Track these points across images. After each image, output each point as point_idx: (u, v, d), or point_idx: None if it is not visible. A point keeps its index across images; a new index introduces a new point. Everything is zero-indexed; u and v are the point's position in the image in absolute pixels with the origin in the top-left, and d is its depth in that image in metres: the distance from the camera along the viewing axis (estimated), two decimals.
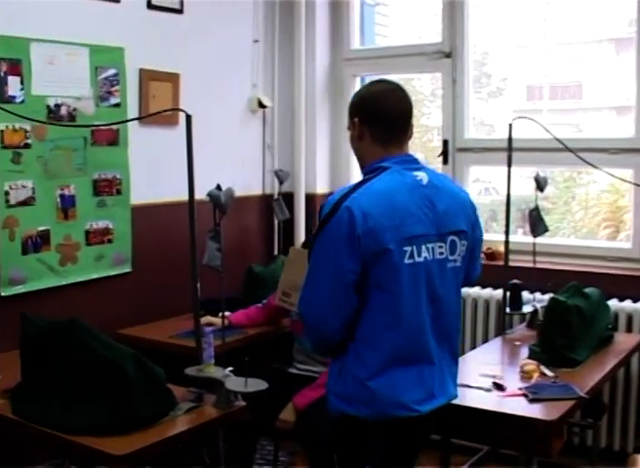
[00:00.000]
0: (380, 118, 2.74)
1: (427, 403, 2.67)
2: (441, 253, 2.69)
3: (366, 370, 2.62)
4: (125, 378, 2.82)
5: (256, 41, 5.29)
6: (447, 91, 5.09)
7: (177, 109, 3.90)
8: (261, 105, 5.26)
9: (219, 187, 3.16)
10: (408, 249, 2.59)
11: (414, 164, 2.75)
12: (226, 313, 4.13)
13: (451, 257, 2.72)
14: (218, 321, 4.02)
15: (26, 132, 3.91)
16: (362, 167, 2.82)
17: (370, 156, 2.76)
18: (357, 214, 2.53)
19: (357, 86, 5.57)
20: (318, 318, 2.64)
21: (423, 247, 2.63)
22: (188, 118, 3.06)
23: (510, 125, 4.10)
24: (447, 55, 5.05)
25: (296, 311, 2.96)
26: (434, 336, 2.69)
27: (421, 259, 2.62)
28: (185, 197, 3.10)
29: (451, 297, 2.76)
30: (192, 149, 3.08)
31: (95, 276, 4.30)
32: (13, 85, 3.84)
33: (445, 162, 5.09)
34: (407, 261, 2.59)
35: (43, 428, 2.90)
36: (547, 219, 4.44)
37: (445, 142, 5.09)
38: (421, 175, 2.71)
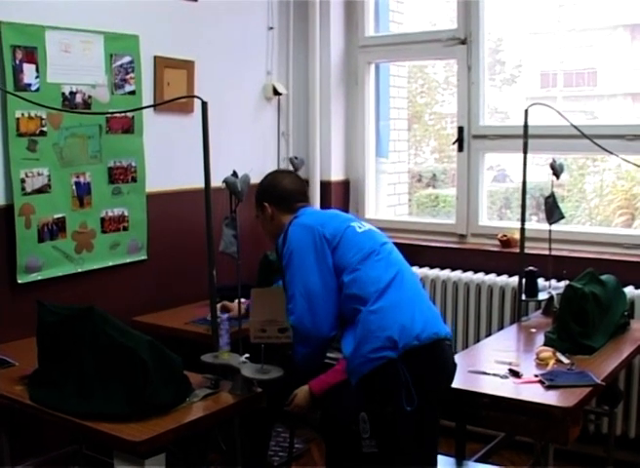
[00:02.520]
0: (287, 196, 3.56)
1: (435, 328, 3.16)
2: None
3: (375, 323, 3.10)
4: (142, 365, 2.83)
5: (270, 28, 5.28)
6: (462, 77, 5.07)
7: (192, 96, 3.90)
8: (276, 93, 5.26)
9: (235, 174, 3.15)
10: (354, 224, 3.40)
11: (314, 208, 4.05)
12: (242, 300, 4.13)
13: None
14: (234, 306, 4.02)
15: (42, 119, 3.92)
16: (277, 237, 3.49)
17: (284, 223, 3.47)
18: (307, 221, 3.38)
19: (372, 73, 5.56)
20: (311, 320, 3.26)
21: (362, 223, 3.47)
22: (204, 105, 3.06)
23: (526, 111, 4.09)
24: (462, 41, 5.02)
25: (277, 340, 3.14)
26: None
27: (366, 228, 3.42)
28: (200, 184, 3.10)
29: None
30: (208, 136, 3.07)
31: (110, 263, 4.32)
32: (28, 73, 3.85)
33: (460, 149, 5.07)
34: (359, 231, 3.36)
35: (60, 414, 2.91)
36: (562, 207, 4.42)
37: (460, 129, 5.07)
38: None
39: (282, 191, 3.56)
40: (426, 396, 3.00)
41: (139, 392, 2.82)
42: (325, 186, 5.46)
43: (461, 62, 5.06)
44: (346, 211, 5.56)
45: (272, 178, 3.67)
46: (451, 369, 3.16)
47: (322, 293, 3.23)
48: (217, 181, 3.16)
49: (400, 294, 3.16)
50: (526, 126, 4.09)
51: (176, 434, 2.82)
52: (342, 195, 5.58)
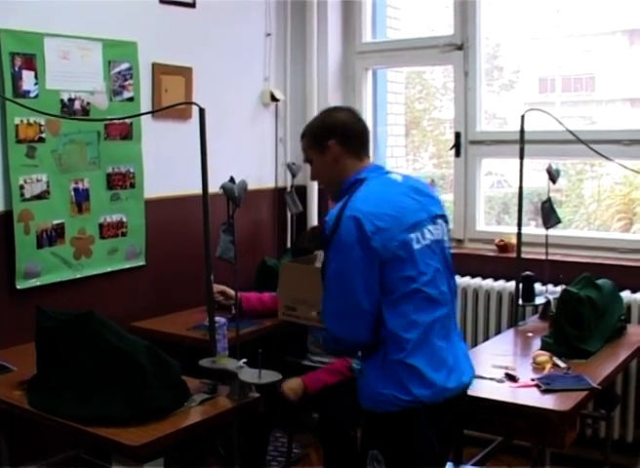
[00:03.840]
0: (355, 135, 2.96)
1: (464, 376, 2.87)
2: (437, 235, 2.85)
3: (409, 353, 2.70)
4: (140, 370, 2.84)
5: (268, 35, 5.30)
6: (459, 83, 5.09)
7: (190, 103, 3.93)
8: (274, 99, 5.28)
9: (232, 180, 3.17)
10: (413, 236, 2.74)
11: (383, 169, 3.01)
12: (239, 293, 4.15)
13: (444, 238, 2.90)
14: (231, 291, 4.04)
15: (41, 126, 3.93)
16: (337, 188, 2.94)
17: (349, 171, 2.91)
18: (362, 218, 2.66)
19: (369, 79, 5.58)
20: (349, 330, 2.73)
21: (425, 230, 2.80)
22: (201, 111, 3.08)
23: (522, 117, 4.10)
24: (458, 47, 5.05)
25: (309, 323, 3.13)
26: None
27: (427, 242, 2.79)
28: (198, 190, 3.12)
29: (451, 274, 2.97)
30: (206, 142, 3.09)
31: (109, 269, 4.33)
32: (27, 79, 3.87)
33: (457, 154, 5.09)
34: (416, 247, 2.74)
35: (59, 419, 2.92)
36: (560, 212, 4.44)
37: (457, 135, 5.09)
38: (395, 176, 2.94)
39: (352, 128, 2.97)
40: (446, 439, 2.86)
41: (137, 396, 2.83)
42: (323, 192, 5.47)
43: (458, 68, 5.08)
44: None
45: (336, 113, 3.05)
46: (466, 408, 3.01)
47: (362, 303, 2.68)
48: (214, 187, 3.18)
49: (437, 344, 2.76)
50: (522, 131, 4.11)
51: (174, 438, 2.84)
52: None
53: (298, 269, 3.17)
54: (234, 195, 3.10)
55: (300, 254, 4.12)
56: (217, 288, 4.04)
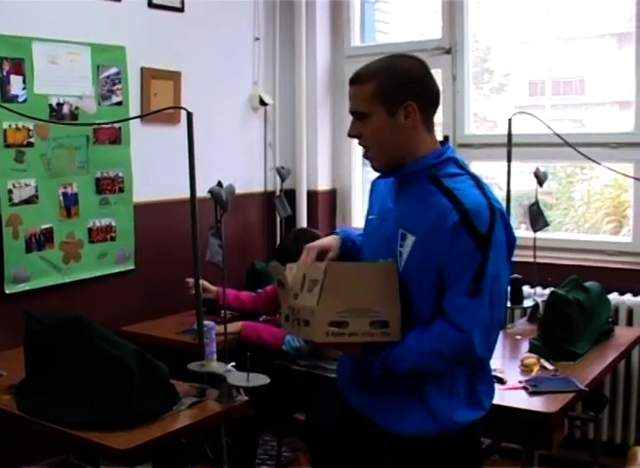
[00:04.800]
0: (435, 101, 2.33)
1: None
2: None
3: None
4: (128, 374, 2.84)
5: (256, 39, 5.31)
6: (447, 87, 5.10)
7: (178, 107, 3.93)
8: (263, 103, 5.29)
9: (219, 184, 3.17)
10: None
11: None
12: (213, 288, 4.16)
13: None
14: (207, 284, 4.10)
15: (29, 130, 3.94)
16: (392, 162, 2.32)
17: (422, 147, 2.29)
18: (506, 217, 2.24)
19: None
20: (492, 347, 2.28)
21: None
22: (189, 116, 3.08)
23: (510, 120, 4.12)
24: (447, 51, 5.07)
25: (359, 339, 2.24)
26: None
27: None
28: (187, 195, 3.12)
29: None
30: (194, 147, 3.09)
31: (98, 273, 4.34)
32: (15, 84, 3.88)
33: None
34: None
35: (48, 423, 2.92)
36: (550, 214, 4.46)
37: (446, 138, 5.10)
38: None
39: (433, 91, 2.31)
40: None
41: (125, 400, 2.83)
42: (312, 196, 5.49)
43: (446, 72, 5.09)
44: (333, 221, 5.60)
45: (414, 66, 2.29)
46: None
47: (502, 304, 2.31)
48: (203, 191, 3.18)
49: None
50: (510, 134, 4.13)
51: (162, 442, 2.84)
52: (329, 204, 5.61)
53: (346, 270, 2.27)
54: (222, 199, 3.11)
55: (283, 258, 4.10)
56: (190, 283, 4.06)
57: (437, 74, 5.64)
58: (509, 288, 4.18)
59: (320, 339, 2.20)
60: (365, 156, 2.40)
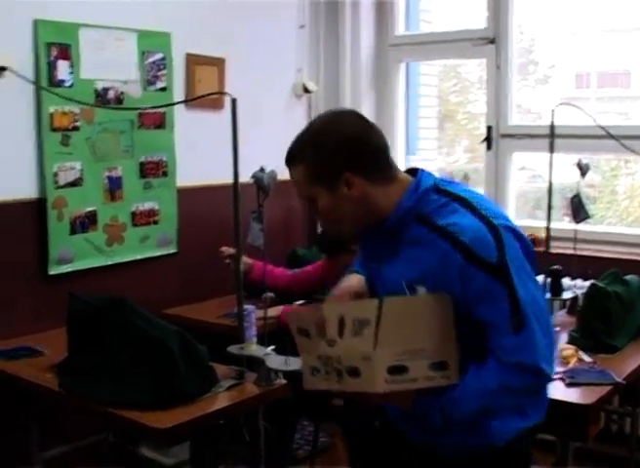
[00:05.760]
0: (377, 154, 2.08)
1: None
2: None
3: None
4: (170, 355, 2.89)
5: (301, 26, 5.32)
6: (491, 77, 5.09)
7: (222, 93, 3.97)
8: (306, 90, 5.30)
9: (262, 169, 3.20)
10: None
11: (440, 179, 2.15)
12: (249, 260, 4.18)
13: None
14: (244, 259, 4.04)
15: (75, 115, 4.00)
16: (363, 226, 2.12)
17: (388, 200, 2.06)
18: (509, 224, 2.04)
19: (402, 71, 5.58)
20: (553, 366, 2.04)
21: None
22: (234, 102, 3.11)
23: (553, 111, 4.10)
24: (491, 41, 5.04)
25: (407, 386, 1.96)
26: None
27: None
28: (230, 180, 3.15)
29: None
30: (237, 132, 3.12)
31: (140, 257, 4.39)
32: (62, 69, 3.94)
33: (489, 148, 5.09)
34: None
35: (89, 402, 2.98)
36: (593, 208, 4.43)
37: (489, 129, 5.09)
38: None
39: (373, 144, 2.08)
40: None
41: (166, 381, 2.88)
42: None
43: (490, 62, 5.08)
44: None
45: (340, 126, 2.07)
46: None
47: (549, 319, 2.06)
48: (245, 177, 3.21)
49: None
50: (552, 125, 4.10)
51: (201, 423, 2.89)
52: None
53: (404, 304, 1.97)
54: (264, 184, 3.13)
55: (330, 247, 4.13)
56: (227, 251, 4.10)
57: (481, 64, 5.64)
58: (549, 279, 4.19)
59: (381, 389, 1.89)
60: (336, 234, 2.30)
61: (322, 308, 2.04)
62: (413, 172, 2.12)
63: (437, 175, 2.12)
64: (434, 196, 2.04)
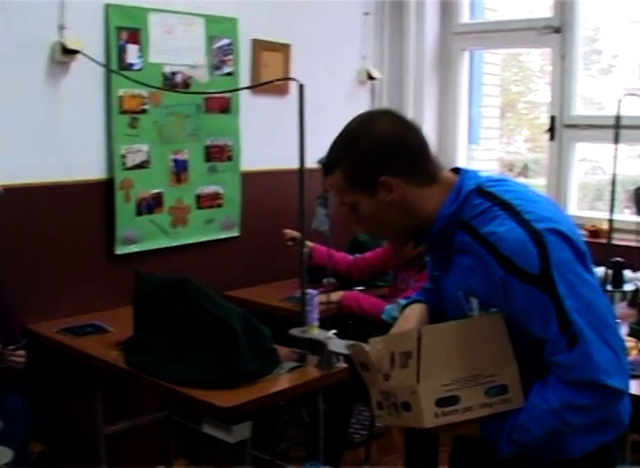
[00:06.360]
0: (417, 154, 1.97)
1: None
2: None
3: None
4: (233, 335, 2.93)
5: (366, 13, 5.32)
6: (556, 66, 5.05)
7: (289, 79, 3.99)
8: (370, 77, 5.31)
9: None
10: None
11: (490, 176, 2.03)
12: (310, 244, 4.20)
13: None
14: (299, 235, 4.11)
15: (143, 98, 4.07)
16: (408, 232, 2.03)
17: (429, 205, 1.96)
18: (558, 227, 1.85)
19: (466, 59, 5.57)
20: (627, 379, 1.85)
21: None
22: (301, 87, 3.13)
23: (619, 101, 4.07)
24: (556, 30, 5.00)
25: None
26: None
27: None
28: (293, 165, 3.18)
29: None
30: (304, 118, 3.15)
31: (204, 239, 4.45)
32: (131, 53, 4.01)
33: (552, 138, 5.07)
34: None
35: (153, 379, 3.04)
36: None
37: (552, 119, 5.06)
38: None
39: (411, 144, 1.98)
40: None
41: (229, 361, 2.92)
42: None
43: (555, 51, 5.04)
44: None
45: (376, 127, 1.96)
46: None
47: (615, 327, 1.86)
48: (309, 162, 3.24)
49: None
50: (618, 116, 4.08)
51: (262, 403, 2.93)
52: None
53: (446, 330, 1.87)
54: None
55: (356, 250, 4.16)
56: (290, 233, 4.14)
57: (543, 53, 5.61)
58: (611, 271, 4.17)
59: (429, 424, 1.77)
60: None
61: (376, 342, 1.98)
62: (457, 171, 2.02)
63: (496, 165, 2.06)
64: (477, 200, 1.92)
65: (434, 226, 1.94)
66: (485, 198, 1.91)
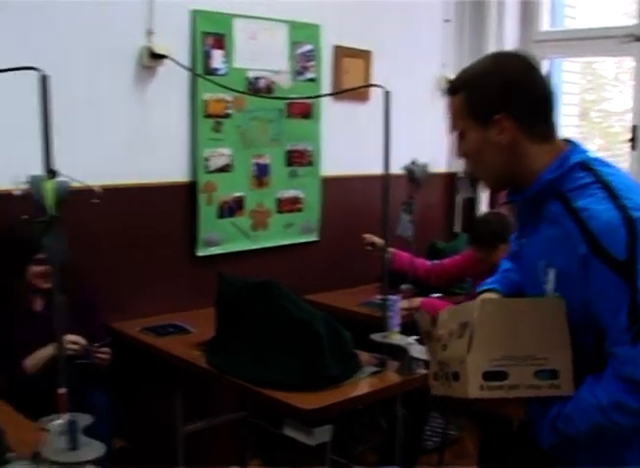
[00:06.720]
0: (541, 107, 1.93)
1: None
2: None
3: None
4: (317, 338, 2.97)
5: (446, 20, 5.33)
6: (637, 75, 5.00)
7: (374, 85, 4.00)
8: None
9: (413, 162, 3.25)
10: None
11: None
12: (391, 249, 4.18)
13: None
14: (379, 241, 4.10)
15: (227, 102, 4.12)
16: (502, 181, 2.01)
17: (534, 163, 1.92)
18: None
19: (546, 68, 5.52)
20: None
21: None
22: (387, 94, 3.15)
23: None
24: (638, 38, 4.95)
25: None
26: None
27: None
28: (372, 171, 3.20)
29: None
30: (389, 124, 3.17)
31: (283, 242, 4.50)
32: (216, 58, 4.07)
33: (633, 148, 5.01)
34: None
35: (235, 379, 3.07)
36: None
37: (634, 128, 5.01)
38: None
39: (541, 94, 1.92)
40: None
41: (312, 364, 2.95)
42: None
43: (637, 59, 4.98)
44: None
45: (510, 66, 1.93)
46: None
47: None
48: (389, 169, 3.25)
49: None
50: None
51: (343, 407, 2.95)
52: None
53: (505, 305, 1.94)
54: (416, 176, 3.19)
55: (484, 239, 4.08)
56: (370, 238, 4.16)
57: (619, 61, 5.54)
58: None
59: (473, 394, 1.78)
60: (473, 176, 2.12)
61: (444, 313, 2.03)
62: (568, 142, 1.97)
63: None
64: (580, 173, 1.87)
65: (533, 187, 1.91)
66: (588, 173, 1.86)
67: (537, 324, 1.83)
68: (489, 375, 1.79)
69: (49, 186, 2.10)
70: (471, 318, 1.83)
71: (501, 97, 1.88)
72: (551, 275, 1.87)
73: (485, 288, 2.26)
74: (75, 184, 2.17)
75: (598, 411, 1.75)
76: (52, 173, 2.11)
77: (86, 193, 2.37)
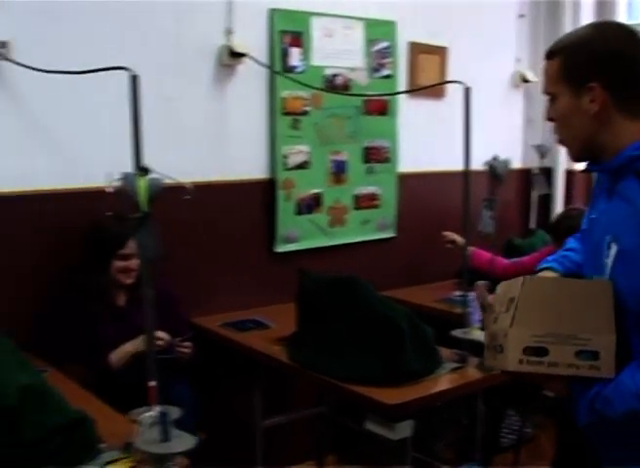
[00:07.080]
0: (632, 76, 1.87)
1: None
2: None
3: None
4: (400, 334, 2.98)
5: (521, 16, 5.29)
6: None
7: (453, 81, 4.00)
8: (525, 80, 5.27)
9: (495, 158, 3.25)
10: None
11: None
12: (470, 247, 4.16)
13: None
14: (460, 239, 4.08)
15: (305, 100, 4.16)
16: (586, 151, 1.96)
17: (620, 137, 1.88)
18: None
19: None
20: None
21: None
22: (467, 90, 3.18)
23: None
24: None
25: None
26: None
27: None
28: (449, 167, 3.20)
29: None
30: (470, 121, 3.18)
31: (360, 239, 4.52)
32: (294, 56, 4.10)
33: None
34: None
35: (317, 374, 3.10)
36: None
37: None
38: None
39: (634, 68, 1.87)
40: None
41: (394, 359, 2.96)
42: (569, 175, 5.42)
43: None
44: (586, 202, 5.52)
45: (611, 37, 1.88)
46: None
47: None
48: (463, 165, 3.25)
49: None
50: None
51: (424, 402, 2.96)
52: (586, 185, 5.53)
53: (550, 285, 1.99)
54: (498, 173, 3.18)
55: (567, 234, 4.00)
56: (450, 236, 4.15)
57: None
58: None
59: (512, 367, 1.81)
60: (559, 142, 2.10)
61: (500, 286, 2.06)
62: None
63: None
64: None
65: (615, 159, 1.87)
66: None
67: (582, 304, 1.84)
68: (530, 351, 1.80)
69: (142, 183, 2.15)
70: (517, 292, 1.88)
71: (598, 65, 1.85)
72: (613, 250, 1.82)
73: (543, 266, 2.25)
74: (167, 181, 2.21)
75: (635, 398, 1.72)
76: (144, 170, 2.15)
77: (176, 190, 2.40)
